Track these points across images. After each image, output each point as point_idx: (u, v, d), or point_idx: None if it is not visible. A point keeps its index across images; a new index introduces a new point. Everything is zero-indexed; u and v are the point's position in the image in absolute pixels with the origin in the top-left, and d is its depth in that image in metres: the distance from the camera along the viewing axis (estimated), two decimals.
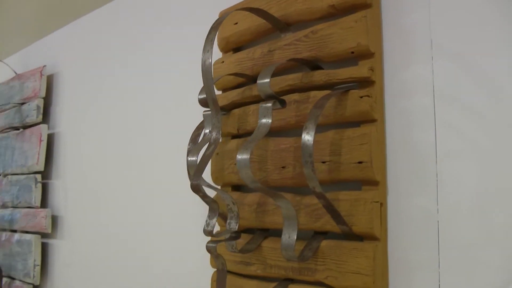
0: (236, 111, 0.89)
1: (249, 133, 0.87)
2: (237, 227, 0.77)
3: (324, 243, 0.73)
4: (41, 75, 1.51)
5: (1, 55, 1.85)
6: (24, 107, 1.56)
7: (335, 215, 0.69)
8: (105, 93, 1.31)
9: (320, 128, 0.76)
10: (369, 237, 0.69)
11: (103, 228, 1.24)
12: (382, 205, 0.69)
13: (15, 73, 1.68)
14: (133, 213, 1.15)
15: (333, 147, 0.73)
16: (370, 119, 0.70)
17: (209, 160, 0.68)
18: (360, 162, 0.69)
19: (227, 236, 0.73)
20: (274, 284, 0.78)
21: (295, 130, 0.81)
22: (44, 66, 1.52)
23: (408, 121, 0.70)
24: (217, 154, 0.91)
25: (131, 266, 1.13)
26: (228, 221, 0.78)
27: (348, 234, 0.71)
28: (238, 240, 0.83)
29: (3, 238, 1.58)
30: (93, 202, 1.30)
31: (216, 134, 0.69)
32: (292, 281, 0.78)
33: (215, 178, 0.91)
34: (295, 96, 0.79)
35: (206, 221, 0.70)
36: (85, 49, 1.43)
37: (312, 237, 0.76)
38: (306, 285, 0.75)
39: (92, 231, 1.29)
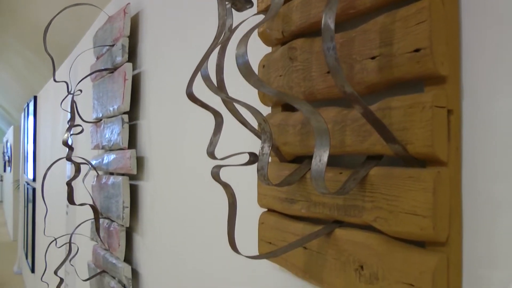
0: (281, 9, 0.70)
1: (295, 36, 0.68)
2: (269, 151, 0.60)
3: (374, 171, 0.53)
4: (125, 13, 1.44)
5: (102, 3, 1.85)
6: (114, 48, 1.52)
7: (381, 128, 0.48)
8: (190, 30, 1.18)
9: (370, 16, 0.55)
10: (431, 160, 0.48)
11: (185, 169, 1.15)
12: (452, 112, 0.47)
13: (108, 16, 1.65)
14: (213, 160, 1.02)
15: (384, 35, 0.51)
16: None
17: (205, 60, 0.52)
18: (416, 50, 0.47)
19: (253, 159, 0.57)
20: (321, 227, 0.61)
21: (343, 24, 0.60)
22: (128, 4, 1.46)
23: None
24: (263, 66, 0.74)
25: (210, 206, 1.02)
26: (261, 144, 0.61)
27: (405, 158, 0.50)
28: (283, 172, 0.67)
29: (103, 181, 1.60)
30: (175, 142, 1.21)
31: (221, 26, 0.53)
32: (341, 224, 0.59)
33: (262, 97, 0.74)
34: None
35: (210, 139, 0.54)
36: None
37: (362, 163, 0.56)
38: (355, 230, 0.56)
39: (174, 172, 1.20)
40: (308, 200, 0.62)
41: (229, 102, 0.63)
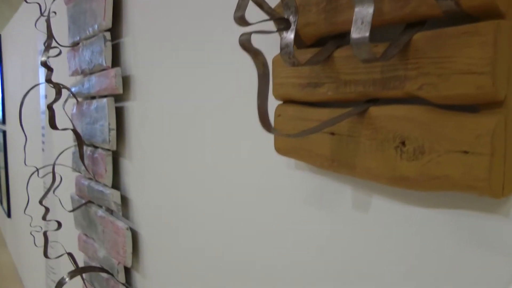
0: None
1: None
2: (295, 27, 0.55)
3: (418, 36, 0.48)
4: None
5: None
6: None
7: None
8: None
9: None
10: (488, 14, 0.43)
11: (178, 84, 1.08)
12: None
13: None
14: (207, 68, 0.96)
15: None
16: None
17: None
18: None
19: (279, 26, 0.51)
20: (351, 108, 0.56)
21: None
22: None
23: None
24: None
25: (208, 121, 0.97)
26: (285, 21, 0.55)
27: (455, 16, 0.45)
28: (306, 55, 0.62)
29: (84, 107, 1.52)
30: (165, 56, 1.14)
31: None
32: (376, 102, 0.55)
33: None
34: None
35: (238, 3, 0.48)
36: None
37: (401, 33, 0.51)
38: (393, 105, 0.52)
39: (166, 89, 1.14)
40: (337, 81, 0.57)
41: None
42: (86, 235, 1.69)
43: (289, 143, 0.65)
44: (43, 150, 2.27)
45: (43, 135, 2.25)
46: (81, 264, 1.72)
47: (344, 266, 0.62)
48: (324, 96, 0.59)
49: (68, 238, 1.91)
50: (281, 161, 0.73)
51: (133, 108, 1.29)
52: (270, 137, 0.75)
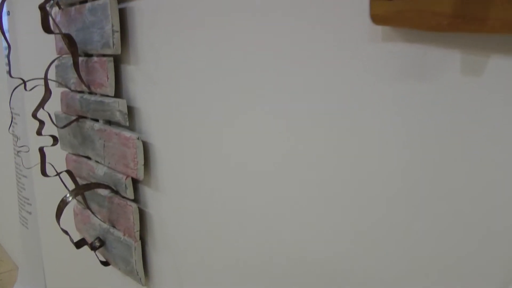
0: None
1: None
2: None
3: None
4: None
5: None
6: None
7: None
8: None
9: None
10: None
11: None
12: None
13: None
14: None
15: None
16: None
17: None
18: None
19: None
20: None
21: None
22: None
23: None
24: None
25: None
26: None
27: None
28: None
29: (72, 13, 1.38)
30: None
31: None
32: None
33: None
34: None
35: None
36: None
37: None
38: None
39: None
40: None
41: None
42: (75, 154, 1.60)
43: (393, 7, 0.60)
44: (8, 73, 2.09)
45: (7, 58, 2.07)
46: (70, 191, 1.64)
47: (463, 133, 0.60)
48: None
49: (53, 161, 1.81)
50: (361, 35, 0.68)
51: (139, 7, 1.18)
52: (342, 11, 0.70)
